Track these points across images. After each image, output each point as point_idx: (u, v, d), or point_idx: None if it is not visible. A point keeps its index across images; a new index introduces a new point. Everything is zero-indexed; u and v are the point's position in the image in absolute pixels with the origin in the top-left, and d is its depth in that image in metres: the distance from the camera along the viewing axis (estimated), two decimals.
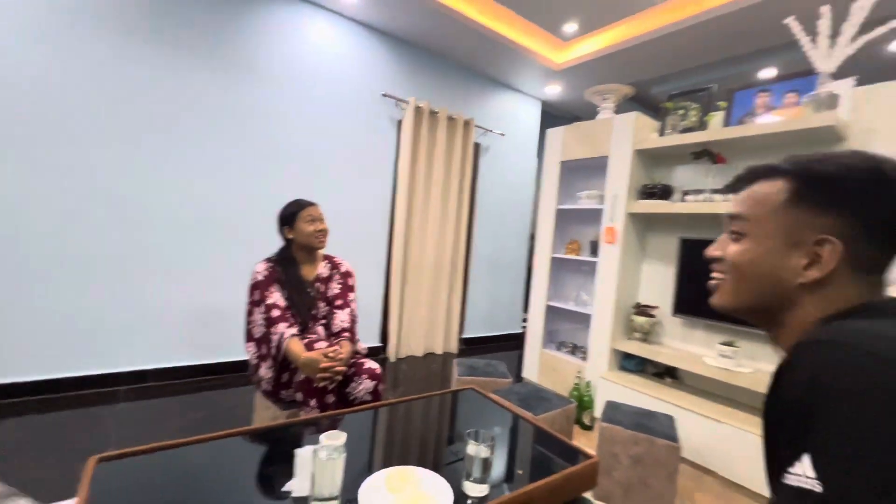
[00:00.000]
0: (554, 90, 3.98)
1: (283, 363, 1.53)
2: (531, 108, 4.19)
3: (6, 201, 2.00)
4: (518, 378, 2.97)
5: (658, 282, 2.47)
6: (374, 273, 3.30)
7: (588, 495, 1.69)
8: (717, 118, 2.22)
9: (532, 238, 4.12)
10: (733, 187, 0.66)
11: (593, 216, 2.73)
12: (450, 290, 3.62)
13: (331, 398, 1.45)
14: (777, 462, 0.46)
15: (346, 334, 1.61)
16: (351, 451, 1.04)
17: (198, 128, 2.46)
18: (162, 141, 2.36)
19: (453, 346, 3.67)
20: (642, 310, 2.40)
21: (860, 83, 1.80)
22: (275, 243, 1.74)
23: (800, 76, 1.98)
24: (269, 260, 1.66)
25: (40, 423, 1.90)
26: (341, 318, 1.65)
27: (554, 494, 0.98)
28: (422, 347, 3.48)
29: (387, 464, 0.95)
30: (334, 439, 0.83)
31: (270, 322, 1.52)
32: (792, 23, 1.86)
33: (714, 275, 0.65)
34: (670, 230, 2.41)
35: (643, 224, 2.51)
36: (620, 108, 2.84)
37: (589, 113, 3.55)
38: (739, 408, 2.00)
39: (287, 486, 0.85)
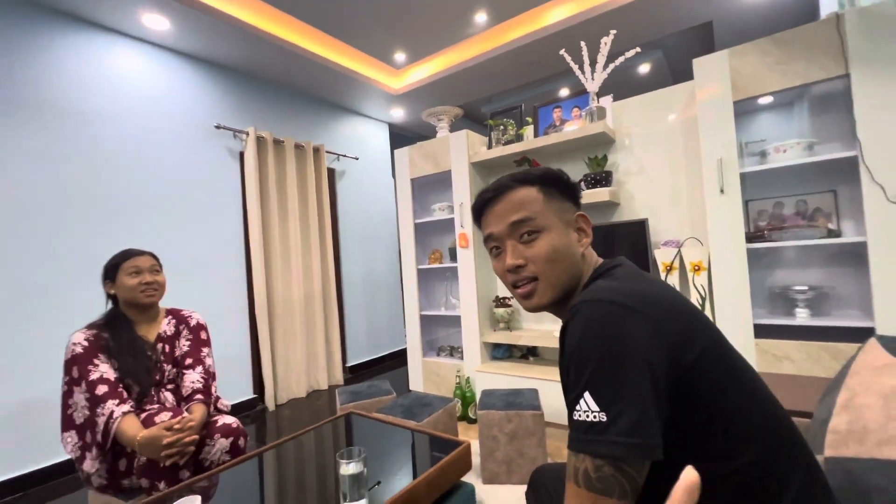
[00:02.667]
0: (398, 113, 4.20)
1: (117, 450, 1.29)
2: (380, 130, 4.35)
3: None
4: (407, 391, 3.02)
5: None
6: (237, 319, 3.01)
7: (474, 481, 1.82)
8: (528, 131, 2.65)
9: (400, 254, 4.25)
10: (486, 206, 0.75)
11: (448, 225, 2.97)
12: (325, 320, 3.50)
13: (185, 474, 1.26)
14: (568, 404, 0.57)
15: (199, 396, 1.43)
16: None
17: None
18: None
19: (339, 378, 3.54)
20: (501, 302, 2.69)
21: (616, 98, 2.36)
22: (92, 309, 1.48)
23: (579, 95, 2.50)
24: (90, 326, 1.41)
25: None
26: (191, 379, 1.47)
27: (433, 486, 1.06)
28: (304, 387, 3.28)
29: None
30: None
31: (95, 401, 1.27)
32: (564, 54, 2.34)
33: (521, 284, 0.71)
34: None
35: None
36: (455, 126, 3.16)
37: (432, 131, 3.85)
38: None
39: None
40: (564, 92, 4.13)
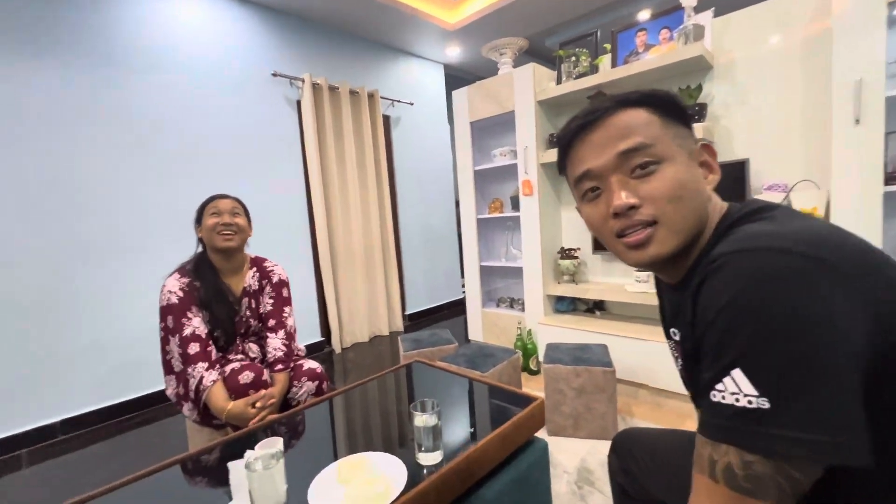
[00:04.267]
0: (454, 52, 3.92)
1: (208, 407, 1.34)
2: (435, 73, 4.11)
3: None
4: (466, 341, 3.05)
5: (576, 225, 2.61)
6: (304, 267, 3.13)
7: (541, 434, 1.80)
8: (605, 61, 2.33)
9: (458, 204, 4.15)
10: (573, 140, 0.59)
11: (510, 172, 2.79)
12: (384, 269, 3.56)
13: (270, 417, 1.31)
14: (701, 380, 0.45)
15: (280, 366, 1.43)
16: (300, 454, 1.00)
17: (63, 138, 2.08)
18: (25, 158, 1.96)
19: (399, 325, 3.65)
20: (566, 253, 2.53)
21: (717, 14, 1.97)
22: (182, 255, 1.52)
23: (669, 12, 2.12)
24: (181, 271, 1.42)
25: None
26: (274, 346, 1.46)
27: (507, 441, 1.02)
28: (367, 332, 3.42)
29: (338, 457, 0.92)
30: (269, 447, 0.78)
31: (187, 360, 1.32)
32: None
33: (630, 231, 0.55)
34: None
35: (555, 172, 2.62)
36: (519, 62, 2.87)
37: (491, 71, 3.56)
38: (659, 324, 2.23)
39: None
40: (645, 15, 3.59)
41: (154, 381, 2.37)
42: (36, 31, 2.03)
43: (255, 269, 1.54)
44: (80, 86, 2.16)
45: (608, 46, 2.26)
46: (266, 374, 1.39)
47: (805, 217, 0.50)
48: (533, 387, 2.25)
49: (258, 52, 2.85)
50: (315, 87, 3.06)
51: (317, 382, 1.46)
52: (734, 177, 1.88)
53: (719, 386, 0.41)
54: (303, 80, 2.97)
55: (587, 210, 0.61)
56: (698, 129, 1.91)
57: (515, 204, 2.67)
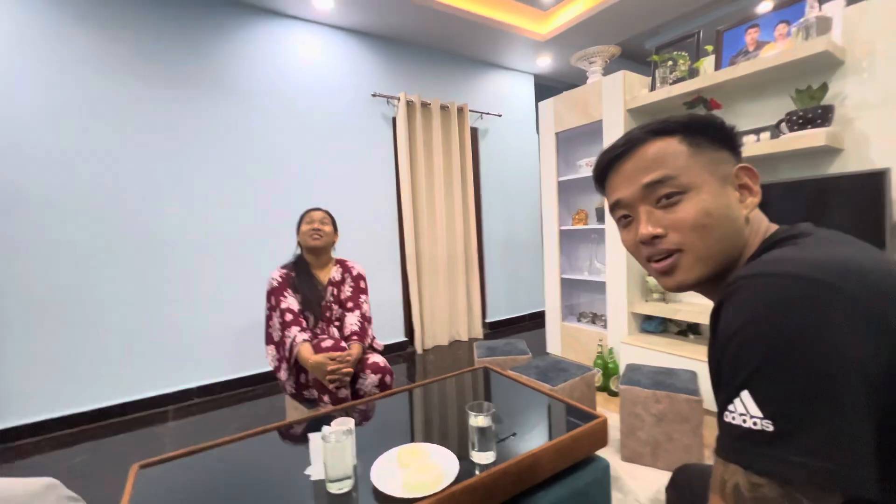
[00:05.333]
0: (545, 62, 3.91)
1: (299, 366, 1.63)
2: (524, 84, 4.14)
3: (73, 259, 2.18)
4: (544, 354, 2.99)
5: None
6: (391, 270, 3.38)
7: (612, 456, 1.72)
8: (708, 63, 2.15)
9: (542, 214, 4.10)
10: (607, 169, 0.62)
11: None
12: (466, 277, 3.66)
13: (343, 392, 1.55)
14: (719, 403, 0.45)
15: (355, 338, 1.70)
16: (369, 436, 1.12)
17: (198, 157, 2.58)
18: (173, 174, 2.49)
19: (478, 332, 3.72)
20: None
21: (851, 2, 1.71)
22: (286, 255, 1.91)
23: (788, 4, 1.89)
24: (284, 266, 1.79)
25: (106, 446, 2.08)
26: (351, 322, 1.75)
27: (562, 454, 1.02)
28: (447, 336, 3.55)
29: (400, 444, 1.02)
30: (341, 425, 0.90)
31: (284, 326, 1.63)
32: None
33: (658, 258, 0.57)
34: None
35: None
36: (610, 69, 2.77)
37: (582, 79, 3.48)
38: None
39: (307, 471, 0.93)
40: (762, 8, 3.22)
41: (266, 363, 2.77)
42: (187, 69, 2.54)
43: (338, 266, 1.87)
44: (220, 111, 2.64)
45: (710, 48, 2.08)
46: (343, 345, 1.64)
47: (844, 242, 0.47)
48: (612, 408, 2.15)
49: (361, 75, 3.18)
50: (409, 105, 3.30)
51: (380, 375, 1.64)
52: (869, 189, 1.60)
53: (731, 407, 0.42)
54: (398, 99, 3.24)
55: (622, 235, 0.65)
56: (819, 134, 1.67)
57: (601, 216, 2.58)
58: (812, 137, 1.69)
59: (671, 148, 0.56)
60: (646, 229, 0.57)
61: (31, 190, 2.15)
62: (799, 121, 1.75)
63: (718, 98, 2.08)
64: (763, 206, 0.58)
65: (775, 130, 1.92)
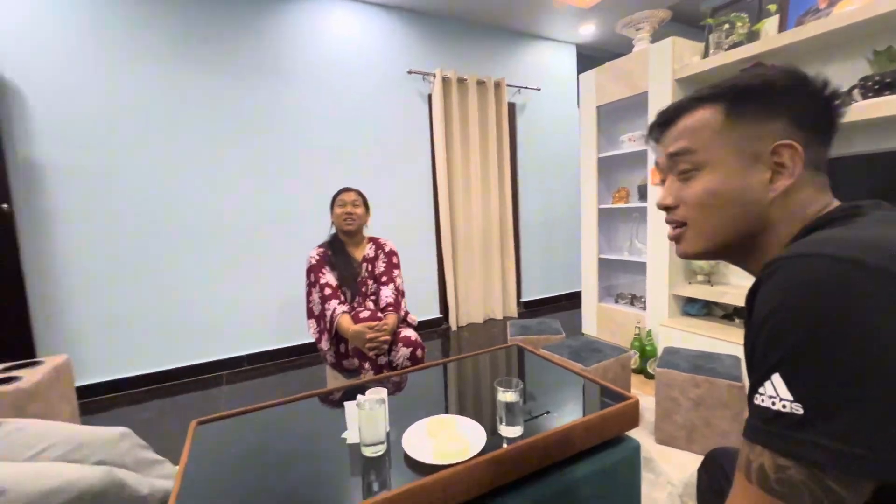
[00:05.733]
0: (588, 30, 3.70)
1: (339, 336, 1.72)
2: (565, 55, 3.95)
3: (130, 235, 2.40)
4: (579, 335, 2.96)
5: None
6: (427, 249, 3.42)
7: (646, 438, 1.71)
8: (770, 24, 1.96)
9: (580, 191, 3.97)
10: (654, 134, 0.63)
11: (638, 159, 2.57)
12: (502, 255, 3.65)
13: (383, 359, 1.65)
14: (751, 385, 0.45)
15: (391, 308, 1.79)
16: (401, 406, 1.18)
17: (237, 136, 2.68)
18: (221, 157, 2.63)
19: (513, 310, 3.72)
20: None
21: None
22: (323, 233, 1.99)
23: None
24: (321, 245, 1.88)
25: (170, 403, 2.31)
26: (386, 294, 1.83)
27: (591, 432, 1.02)
28: (481, 314, 3.58)
29: (431, 415, 1.06)
30: (376, 394, 0.95)
31: (324, 300, 1.73)
32: None
33: (671, 226, 0.62)
34: None
35: None
36: (660, 36, 2.58)
37: (628, 49, 3.28)
38: None
39: (343, 435, 0.99)
40: None
41: (308, 335, 2.92)
42: (225, 51, 2.61)
43: (372, 243, 1.94)
44: (259, 92, 2.72)
45: (773, 8, 1.89)
46: (380, 315, 1.73)
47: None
48: (649, 391, 2.11)
49: (396, 52, 3.16)
50: (445, 81, 3.26)
51: (411, 349, 1.69)
52: None
53: (761, 389, 0.41)
54: (434, 75, 3.20)
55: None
56: None
57: (643, 194, 2.47)
58: (891, 104, 1.51)
59: (704, 119, 0.56)
60: (660, 199, 0.62)
61: (122, 176, 2.36)
62: (875, 86, 1.57)
63: (781, 63, 1.89)
64: (833, 181, 0.55)
65: (847, 98, 1.73)
